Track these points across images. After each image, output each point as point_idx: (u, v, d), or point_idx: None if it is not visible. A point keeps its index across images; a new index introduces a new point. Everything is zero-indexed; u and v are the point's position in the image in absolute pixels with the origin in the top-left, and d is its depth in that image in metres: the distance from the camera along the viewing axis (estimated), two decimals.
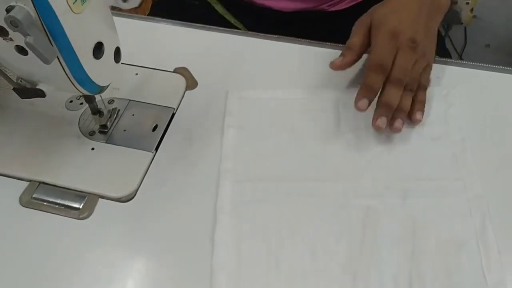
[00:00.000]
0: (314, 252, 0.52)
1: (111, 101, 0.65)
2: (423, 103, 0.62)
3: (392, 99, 0.60)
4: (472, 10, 1.39)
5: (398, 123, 0.60)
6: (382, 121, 0.59)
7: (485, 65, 0.68)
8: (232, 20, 0.85)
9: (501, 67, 0.68)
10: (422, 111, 0.62)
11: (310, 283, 0.50)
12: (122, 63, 0.58)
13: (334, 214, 0.54)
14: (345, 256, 0.51)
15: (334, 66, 0.63)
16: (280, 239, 0.53)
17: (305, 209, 0.55)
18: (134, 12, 0.93)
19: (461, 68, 0.68)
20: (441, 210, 0.54)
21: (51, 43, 0.47)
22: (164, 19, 0.76)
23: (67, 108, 0.65)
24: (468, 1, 1.36)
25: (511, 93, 0.65)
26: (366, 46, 0.63)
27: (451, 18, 1.39)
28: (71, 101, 0.66)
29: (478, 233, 0.52)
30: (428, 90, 0.64)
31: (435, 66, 0.66)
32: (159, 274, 0.52)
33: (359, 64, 0.65)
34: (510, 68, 0.67)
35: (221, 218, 0.54)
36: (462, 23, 1.42)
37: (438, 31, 0.68)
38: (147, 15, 0.93)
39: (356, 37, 0.63)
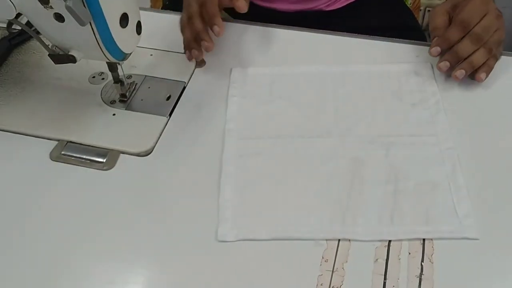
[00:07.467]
0: (306, 192, 0.60)
1: (129, 76, 0.74)
2: (491, 68, 0.68)
3: (463, 50, 0.65)
4: None
5: (459, 73, 0.66)
6: (445, 65, 0.66)
7: None
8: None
9: None
10: (487, 73, 0.67)
11: (304, 216, 0.58)
12: (138, 47, 0.67)
13: (324, 163, 0.62)
14: (335, 196, 0.59)
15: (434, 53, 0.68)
16: (276, 182, 0.61)
17: (299, 159, 0.63)
18: None
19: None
20: (419, 159, 0.62)
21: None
22: (176, 12, 0.85)
23: (90, 83, 0.74)
24: None
25: None
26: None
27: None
28: (93, 77, 0.74)
29: (450, 176, 0.60)
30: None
31: (415, 47, 0.76)
32: (172, 211, 0.60)
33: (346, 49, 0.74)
34: None
35: (226, 167, 0.62)
36: None
37: None
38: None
39: (438, 19, 0.69)
